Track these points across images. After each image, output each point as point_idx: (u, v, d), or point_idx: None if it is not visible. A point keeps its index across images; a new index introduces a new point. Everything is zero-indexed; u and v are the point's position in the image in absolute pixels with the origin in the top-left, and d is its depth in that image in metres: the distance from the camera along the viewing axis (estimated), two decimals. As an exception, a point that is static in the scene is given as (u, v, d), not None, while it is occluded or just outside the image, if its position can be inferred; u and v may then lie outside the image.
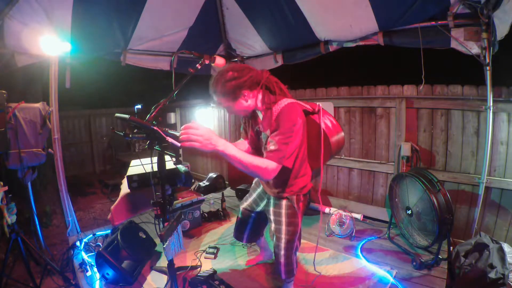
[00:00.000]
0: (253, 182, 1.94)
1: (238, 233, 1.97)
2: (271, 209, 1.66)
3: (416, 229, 2.43)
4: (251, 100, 1.44)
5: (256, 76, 1.42)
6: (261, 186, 1.79)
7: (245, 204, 1.91)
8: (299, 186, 1.57)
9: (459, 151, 2.66)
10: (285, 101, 1.39)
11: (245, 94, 1.40)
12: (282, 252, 1.62)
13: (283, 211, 1.59)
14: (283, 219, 1.60)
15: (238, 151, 1.24)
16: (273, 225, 1.67)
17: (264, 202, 1.76)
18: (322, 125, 1.53)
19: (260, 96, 1.46)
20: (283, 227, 1.60)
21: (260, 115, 1.52)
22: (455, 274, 2.01)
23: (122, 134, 1.22)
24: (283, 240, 1.61)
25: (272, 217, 1.66)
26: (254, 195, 1.86)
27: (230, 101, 1.41)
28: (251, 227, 1.90)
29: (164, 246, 1.36)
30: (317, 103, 1.59)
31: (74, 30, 2.68)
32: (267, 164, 1.30)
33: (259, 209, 1.83)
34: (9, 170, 2.42)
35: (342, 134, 1.66)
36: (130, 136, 1.19)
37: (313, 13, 2.84)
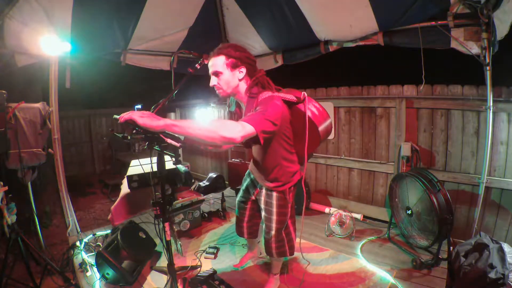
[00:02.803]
0: (246, 173, 1.99)
1: (238, 227, 2.02)
2: (263, 198, 1.74)
3: (416, 229, 2.43)
4: (242, 82, 1.50)
5: (255, 67, 1.54)
6: (252, 176, 1.86)
7: (239, 196, 1.99)
8: (288, 175, 1.64)
9: (459, 151, 2.66)
10: (269, 93, 1.47)
11: (242, 70, 1.48)
12: (273, 239, 1.75)
13: (274, 202, 1.69)
14: (274, 209, 1.70)
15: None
16: (263, 213, 1.76)
17: (256, 191, 1.83)
18: (309, 113, 1.55)
19: (247, 86, 1.51)
20: (274, 217, 1.71)
21: (243, 107, 1.58)
22: (455, 274, 2.01)
23: (121, 136, 1.22)
24: (273, 227, 1.72)
25: (263, 206, 1.75)
26: (245, 185, 1.93)
27: (227, 67, 1.46)
28: (248, 219, 1.96)
29: None
30: (302, 92, 1.58)
31: (74, 30, 2.67)
32: (231, 122, 1.25)
33: (252, 197, 1.88)
34: (9, 170, 2.42)
35: (329, 120, 1.66)
36: (129, 138, 1.19)
37: (313, 13, 2.84)
